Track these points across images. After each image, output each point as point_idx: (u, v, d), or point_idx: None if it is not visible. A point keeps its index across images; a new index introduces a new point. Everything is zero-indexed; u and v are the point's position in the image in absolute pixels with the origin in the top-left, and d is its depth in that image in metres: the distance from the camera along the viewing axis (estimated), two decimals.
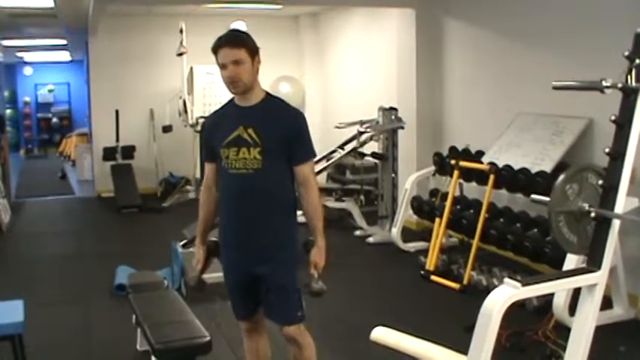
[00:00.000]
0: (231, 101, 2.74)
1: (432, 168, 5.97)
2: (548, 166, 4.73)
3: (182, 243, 4.89)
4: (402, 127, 6.45)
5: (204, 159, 2.84)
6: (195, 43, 7.79)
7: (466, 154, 5.62)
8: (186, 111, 8.62)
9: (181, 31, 8.33)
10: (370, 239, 6.42)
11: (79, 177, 11.43)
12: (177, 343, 3.00)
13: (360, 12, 8.51)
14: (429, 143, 6.59)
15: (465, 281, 4.83)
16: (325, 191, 7.21)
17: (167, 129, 9.09)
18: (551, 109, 5.07)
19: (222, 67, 2.57)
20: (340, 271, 4.88)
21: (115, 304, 4.63)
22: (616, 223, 2.59)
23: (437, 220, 5.36)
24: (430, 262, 5.21)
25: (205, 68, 8.55)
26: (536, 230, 4.66)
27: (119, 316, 4.25)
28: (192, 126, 8.59)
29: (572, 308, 3.02)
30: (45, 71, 17.26)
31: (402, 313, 4.44)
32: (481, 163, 5.22)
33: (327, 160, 6.44)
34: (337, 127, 6.89)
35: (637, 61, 2.57)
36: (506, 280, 2.50)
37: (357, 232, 6.69)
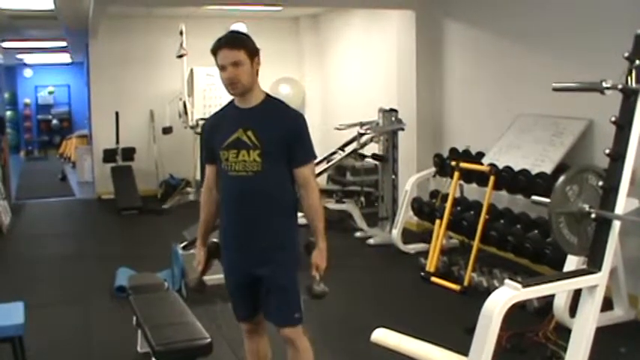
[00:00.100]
0: (231, 103, 2.73)
1: (433, 169, 5.97)
2: (548, 168, 4.73)
3: (182, 245, 4.89)
4: (403, 129, 6.45)
5: (205, 161, 2.84)
6: (196, 44, 7.79)
7: (466, 156, 5.62)
8: (186, 112, 8.63)
9: (181, 33, 8.34)
10: (370, 241, 6.42)
11: (79, 179, 11.43)
12: (178, 345, 3.00)
13: (360, 14, 8.51)
14: (430, 145, 6.60)
15: (466, 283, 4.83)
16: (325, 193, 7.21)
17: (167, 131, 9.09)
18: (551, 110, 5.08)
19: (222, 68, 2.56)
20: (340, 273, 4.88)
21: (115, 306, 4.63)
22: (616, 224, 2.59)
23: (437, 221, 5.35)
24: (430, 264, 5.20)
25: (205, 70, 8.56)
26: (536, 231, 4.65)
27: (119, 317, 4.25)
28: (192, 127, 8.60)
29: (573, 309, 3.02)
30: (45, 73, 17.28)
31: (403, 314, 4.43)
32: (481, 164, 5.22)
33: (328, 162, 6.45)
34: (337, 129, 6.89)
35: (637, 62, 2.58)
36: (507, 281, 2.50)
37: (358, 234, 6.69)
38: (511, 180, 4.90)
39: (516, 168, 4.90)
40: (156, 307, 3.51)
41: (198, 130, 7.93)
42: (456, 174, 5.31)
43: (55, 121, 17.51)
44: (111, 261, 5.58)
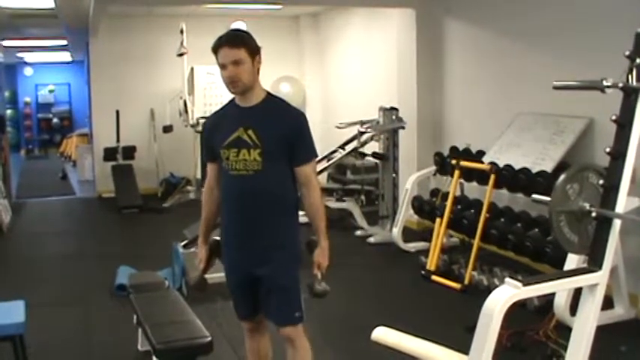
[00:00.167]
0: (231, 101, 2.73)
1: (433, 168, 5.97)
2: (548, 166, 4.73)
3: (183, 243, 4.89)
4: (403, 127, 6.45)
5: (206, 159, 2.84)
6: (196, 43, 7.78)
7: (467, 154, 5.62)
8: (186, 111, 8.63)
9: (182, 32, 8.33)
10: (371, 239, 6.42)
11: (79, 177, 11.43)
12: (179, 343, 3.00)
13: (361, 12, 8.51)
14: (430, 143, 6.60)
15: (466, 281, 4.83)
16: (326, 191, 7.20)
17: (168, 129, 9.09)
18: (551, 109, 5.07)
19: (222, 67, 2.56)
20: (341, 271, 4.87)
21: (115, 305, 4.63)
22: (617, 223, 2.59)
23: (438, 220, 5.35)
24: (431, 262, 5.20)
25: (206, 68, 8.57)
26: (537, 230, 4.65)
27: (120, 316, 4.25)
28: (192, 126, 8.59)
29: (573, 308, 3.02)
30: (45, 72, 17.28)
31: (403, 313, 4.44)
32: (482, 162, 5.22)
33: (328, 160, 6.45)
34: (338, 127, 6.89)
35: (637, 60, 2.57)
36: (507, 279, 2.50)
37: (358, 232, 6.69)
38: (511, 178, 4.90)
39: (517, 166, 4.90)
40: (156, 306, 3.52)
41: (199, 128, 7.93)
42: (457, 172, 5.31)
43: (55, 120, 17.51)
44: (111, 259, 5.58)
